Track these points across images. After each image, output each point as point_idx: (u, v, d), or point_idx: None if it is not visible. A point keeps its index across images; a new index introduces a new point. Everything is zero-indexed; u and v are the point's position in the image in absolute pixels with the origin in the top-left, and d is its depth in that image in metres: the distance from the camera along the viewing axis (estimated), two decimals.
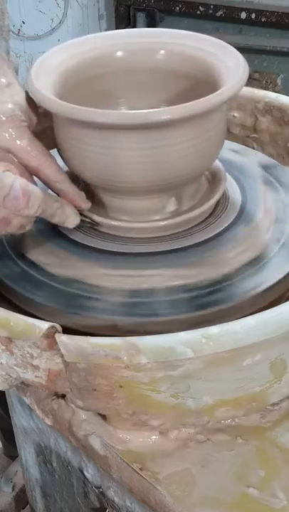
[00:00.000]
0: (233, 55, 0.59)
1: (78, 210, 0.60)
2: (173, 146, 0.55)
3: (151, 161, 0.55)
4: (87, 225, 0.62)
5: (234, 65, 0.58)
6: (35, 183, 0.56)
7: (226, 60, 0.59)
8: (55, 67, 0.61)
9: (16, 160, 0.56)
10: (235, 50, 0.60)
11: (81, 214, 0.61)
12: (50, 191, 0.60)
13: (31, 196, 0.53)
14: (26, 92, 0.59)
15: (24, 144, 0.55)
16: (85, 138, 0.56)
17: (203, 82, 0.61)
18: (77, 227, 0.61)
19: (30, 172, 0.57)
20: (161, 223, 0.61)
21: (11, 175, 0.53)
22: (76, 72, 0.63)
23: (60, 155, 0.61)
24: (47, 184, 0.59)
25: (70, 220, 0.60)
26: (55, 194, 0.60)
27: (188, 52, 0.63)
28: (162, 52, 0.65)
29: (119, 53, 0.66)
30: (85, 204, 0.61)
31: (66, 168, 0.63)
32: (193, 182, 0.62)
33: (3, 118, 0.56)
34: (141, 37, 0.66)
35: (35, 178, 0.58)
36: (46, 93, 0.56)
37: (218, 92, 0.55)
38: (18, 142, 0.55)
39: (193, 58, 0.63)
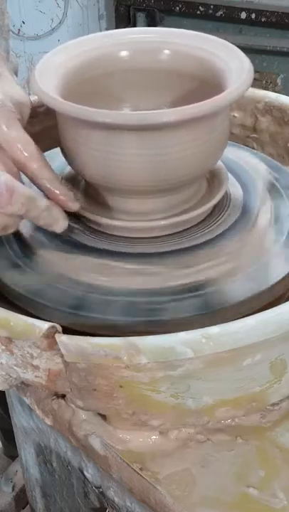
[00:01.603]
0: (237, 56, 0.59)
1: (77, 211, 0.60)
2: (176, 147, 0.55)
3: (153, 162, 0.55)
4: (76, 231, 0.61)
5: (238, 66, 0.58)
6: (22, 182, 0.55)
7: (231, 62, 0.59)
8: (58, 67, 0.61)
9: (3, 155, 0.55)
10: (240, 51, 0.60)
11: (79, 214, 0.61)
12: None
13: (14, 192, 0.51)
14: (19, 87, 0.58)
15: (12, 136, 0.54)
16: (88, 138, 0.56)
17: (207, 83, 0.61)
18: (68, 231, 0.60)
19: (16, 166, 0.55)
20: (163, 223, 0.61)
21: None
22: (79, 72, 0.63)
23: (62, 154, 0.61)
24: (33, 181, 0.57)
25: (58, 224, 0.57)
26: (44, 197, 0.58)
27: (193, 53, 0.63)
28: (166, 52, 0.65)
29: (123, 53, 0.65)
30: (74, 205, 0.58)
31: (68, 168, 0.64)
32: (195, 182, 0.62)
33: None
34: (144, 36, 0.66)
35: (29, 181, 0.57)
36: (50, 92, 0.56)
37: (224, 93, 0.55)
38: (5, 129, 0.54)
39: (197, 59, 0.63)
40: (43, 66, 0.60)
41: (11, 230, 0.55)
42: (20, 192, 0.51)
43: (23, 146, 0.54)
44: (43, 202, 0.55)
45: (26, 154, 0.55)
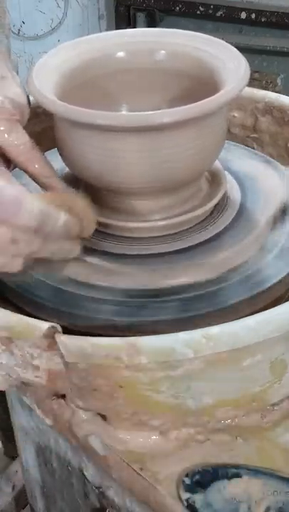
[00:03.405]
0: (234, 56, 0.59)
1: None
2: (174, 147, 0.55)
3: (151, 163, 0.55)
4: None
5: (235, 66, 0.58)
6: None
7: (227, 61, 0.59)
8: (55, 68, 0.61)
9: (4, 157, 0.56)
10: (236, 50, 0.60)
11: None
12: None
13: (22, 202, 0.46)
14: (20, 88, 0.58)
15: (12, 138, 0.55)
16: (85, 139, 0.56)
17: (204, 83, 0.61)
18: None
19: (19, 167, 0.57)
20: (162, 223, 0.61)
21: None
22: (77, 72, 0.63)
23: (60, 155, 0.61)
24: (35, 179, 0.58)
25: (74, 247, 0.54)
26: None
27: (190, 53, 0.63)
28: (163, 52, 0.65)
29: (121, 54, 0.66)
30: None
31: (66, 169, 0.64)
32: (194, 182, 0.62)
33: None
34: (142, 37, 0.66)
35: None
36: (47, 94, 0.56)
37: (220, 93, 0.55)
38: (6, 136, 0.55)
39: (194, 59, 0.63)
40: (40, 68, 0.60)
41: (20, 260, 0.49)
42: (30, 202, 0.47)
43: (24, 148, 0.55)
44: (60, 215, 0.50)
45: (27, 156, 0.56)
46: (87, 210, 0.54)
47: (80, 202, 0.53)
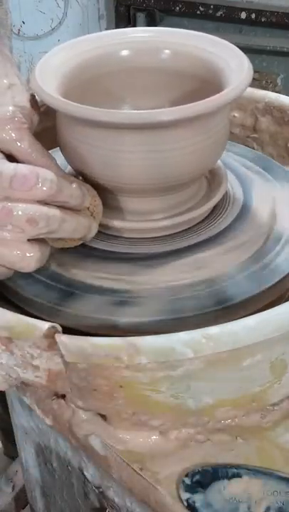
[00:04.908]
0: (237, 55, 0.59)
1: None
2: (177, 146, 0.55)
3: (153, 161, 0.55)
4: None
5: (238, 66, 0.58)
6: None
7: (230, 61, 0.59)
8: (58, 66, 0.61)
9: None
10: (239, 50, 0.60)
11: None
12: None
13: (39, 172, 0.51)
14: (28, 93, 0.58)
15: (25, 146, 0.55)
16: (89, 137, 0.56)
17: (207, 83, 0.61)
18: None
19: None
20: (163, 223, 0.61)
21: (8, 162, 0.53)
22: (80, 71, 0.63)
23: (62, 153, 0.61)
24: None
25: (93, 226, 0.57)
26: None
27: (193, 52, 0.63)
28: (167, 51, 0.65)
29: (124, 52, 0.65)
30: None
31: (68, 168, 0.64)
32: (196, 182, 0.62)
33: (4, 120, 0.55)
34: (145, 36, 0.66)
35: None
36: (51, 92, 0.56)
37: (223, 92, 0.55)
38: (19, 144, 0.55)
39: (197, 58, 0.63)
40: (42, 66, 0.60)
41: (46, 229, 0.52)
42: (44, 171, 0.52)
43: (36, 155, 0.55)
44: (72, 179, 0.55)
45: (40, 163, 0.55)
46: (96, 193, 0.59)
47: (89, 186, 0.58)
